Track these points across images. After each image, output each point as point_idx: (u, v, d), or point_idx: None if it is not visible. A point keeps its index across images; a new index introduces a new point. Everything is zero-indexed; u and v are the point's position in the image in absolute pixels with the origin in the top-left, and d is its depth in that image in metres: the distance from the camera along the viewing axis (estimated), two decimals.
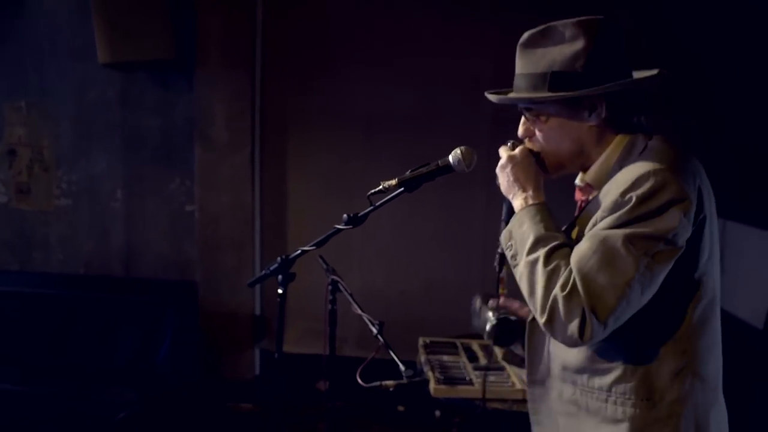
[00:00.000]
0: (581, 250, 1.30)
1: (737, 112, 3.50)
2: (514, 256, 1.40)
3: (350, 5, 3.83)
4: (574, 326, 1.26)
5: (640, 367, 1.37)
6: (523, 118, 1.49)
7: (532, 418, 1.62)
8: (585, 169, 1.47)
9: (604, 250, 1.27)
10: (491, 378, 2.36)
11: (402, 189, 1.69)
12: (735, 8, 3.42)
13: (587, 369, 1.43)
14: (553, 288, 1.29)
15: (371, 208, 1.79)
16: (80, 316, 3.82)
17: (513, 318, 1.79)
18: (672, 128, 3.44)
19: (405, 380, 1.93)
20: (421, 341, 2.78)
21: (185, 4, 3.73)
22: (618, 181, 1.32)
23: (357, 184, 3.97)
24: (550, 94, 1.38)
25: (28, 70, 4.07)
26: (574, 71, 1.37)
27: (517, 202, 1.45)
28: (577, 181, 1.52)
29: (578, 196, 1.53)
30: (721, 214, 1.43)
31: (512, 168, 1.46)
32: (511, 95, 1.47)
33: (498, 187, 1.52)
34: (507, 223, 1.48)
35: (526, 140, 1.50)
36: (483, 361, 2.55)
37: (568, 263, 1.30)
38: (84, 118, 4.07)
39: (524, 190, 1.44)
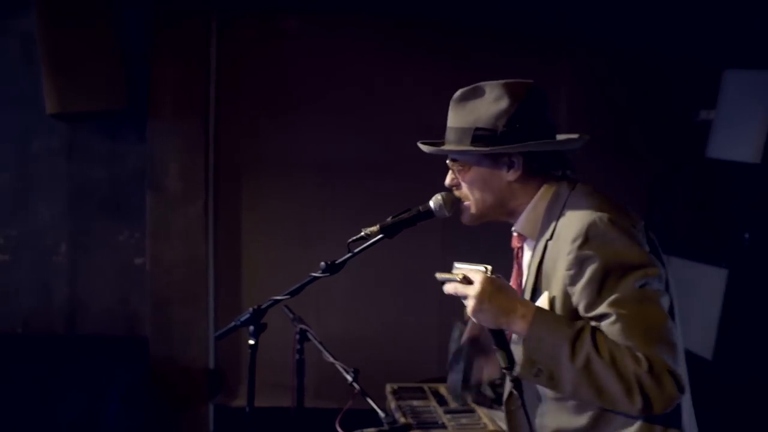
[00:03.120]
0: (616, 324, 1.30)
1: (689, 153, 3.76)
2: (551, 377, 1.32)
3: (305, 55, 3.90)
4: (671, 389, 1.27)
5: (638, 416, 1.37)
6: (450, 170, 1.58)
7: None
8: (513, 219, 1.56)
9: (630, 311, 1.29)
10: (463, 421, 2.38)
11: (382, 235, 1.71)
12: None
13: (588, 428, 1.43)
14: (628, 370, 1.26)
15: (349, 255, 1.80)
16: (17, 379, 3.59)
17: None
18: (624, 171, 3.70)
19: (386, 426, 1.92)
20: (389, 387, 2.77)
21: (138, 53, 3.71)
22: (564, 237, 1.39)
23: (313, 232, 3.98)
24: (471, 147, 1.48)
25: None
26: (495, 129, 1.47)
27: (518, 326, 1.36)
28: (513, 229, 1.60)
29: (514, 243, 1.62)
30: (667, 250, 1.52)
31: (489, 301, 1.37)
32: (440, 147, 1.57)
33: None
34: (503, 348, 1.41)
35: (454, 190, 1.59)
36: (453, 404, 2.56)
37: (615, 342, 1.29)
38: (26, 169, 3.93)
39: (514, 311, 1.37)
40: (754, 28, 3.45)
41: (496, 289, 1.38)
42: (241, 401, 4.00)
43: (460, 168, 1.55)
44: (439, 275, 1.50)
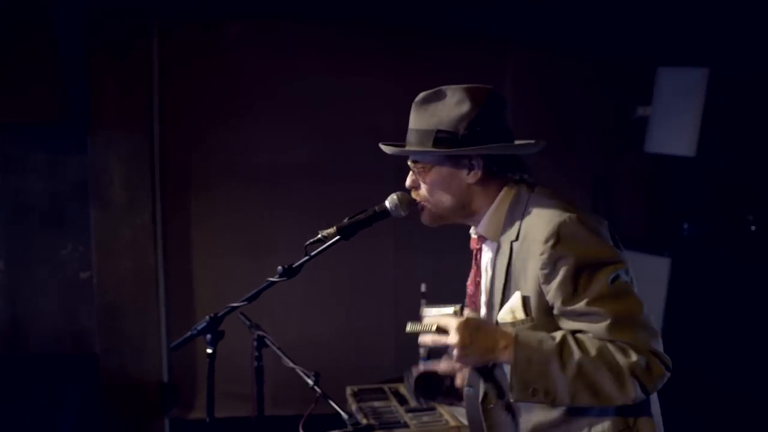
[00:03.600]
0: (599, 321, 1.36)
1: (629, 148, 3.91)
2: (547, 392, 1.36)
3: (250, 60, 3.86)
4: (658, 369, 1.34)
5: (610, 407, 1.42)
6: (411, 171, 1.60)
7: None
8: (473, 221, 1.58)
9: (610, 307, 1.35)
10: (425, 419, 2.40)
11: (338, 237, 1.71)
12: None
13: (562, 421, 1.47)
14: (618, 364, 1.33)
15: (306, 258, 1.79)
16: None
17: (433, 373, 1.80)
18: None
19: (350, 428, 1.92)
20: (349, 390, 2.77)
21: (76, 62, 3.59)
22: (533, 237, 1.42)
23: (264, 238, 3.95)
24: (432, 149, 1.50)
25: None
26: (457, 132, 1.49)
27: (504, 356, 1.41)
28: (471, 232, 1.63)
29: (473, 245, 1.64)
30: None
31: (471, 345, 1.40)
32: (402, 148, 1.59)
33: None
34: (491, 381, 1.50)
35: (413, 191, 1.60)
36: (413, 403, 2.57)
37: (598, 340, 1.35)
38: None
39: (497, 344, 1.41)
40: (684, 28, 3.61)
41: (473, 331, 1.41)
42: (197, 413, 3.93)
43: (421, 169, 1.56)
44: (410, 328, 1.49)
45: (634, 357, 1.33)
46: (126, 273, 3.73)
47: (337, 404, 2.07)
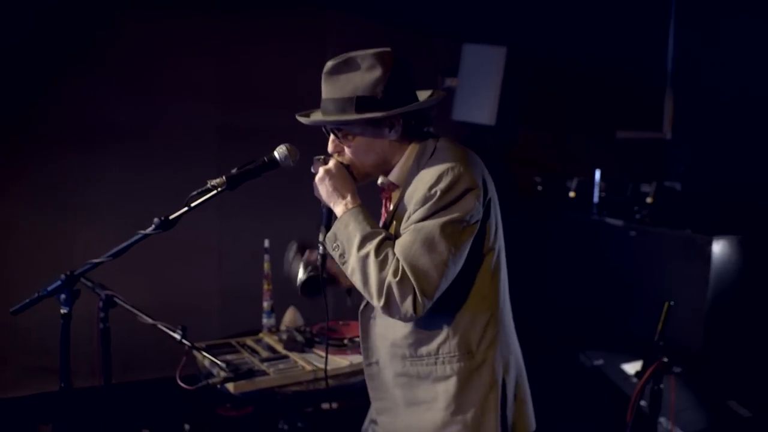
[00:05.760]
0: (404, 240, 1.56)
1: (438, 116, 4.25)
2: (342, 255, 1.60)
3: (59, 11, 3.50)
4: (408, 305, 1.52)
5: (459, 327, 1.68)
6: (332, 137, 1.70)
7: (371, 395, 1.86)
8: (387, 173, 1.74)
9: (423, 239, 1.54)
10: (281, 366, 2.49)
11: (225, 187, 1.72)
12: None
13: (414, 342, 1.70)
14: (386, 275, 1.52)
15: (185, 209, 1.76)
16: None
17: (320, 275, 1.89)
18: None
19: (231, 374, 1.96)
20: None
21: None
22: (422, 179, 1.60)
23: (77, 200, 3.64)
24: (357, 115, 1.61)
25: None
26: (375, 95, 1.61)
27: (339, 208, 1.65)
28: (379, 182, 1.79)
29: (384, 194, 1.81)
30: None
31: (330, 179, 1.66)
32: (319, 117, 1.67)
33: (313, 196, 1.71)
34: (327, 227, 1.68)
35: (336, 155, 1.72)
36: (264, 354, 2.65)
37: (395, 253, 1.55)
38: None
39: (343, 197, 1.65)
40: (487, 8, 4.05)
41: (339, 174, 1.67)
42: (6, 392, 3.56)
43: (345, 135, 1.66)
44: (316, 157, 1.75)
45: (396, 280, 1.50)
46: None
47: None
